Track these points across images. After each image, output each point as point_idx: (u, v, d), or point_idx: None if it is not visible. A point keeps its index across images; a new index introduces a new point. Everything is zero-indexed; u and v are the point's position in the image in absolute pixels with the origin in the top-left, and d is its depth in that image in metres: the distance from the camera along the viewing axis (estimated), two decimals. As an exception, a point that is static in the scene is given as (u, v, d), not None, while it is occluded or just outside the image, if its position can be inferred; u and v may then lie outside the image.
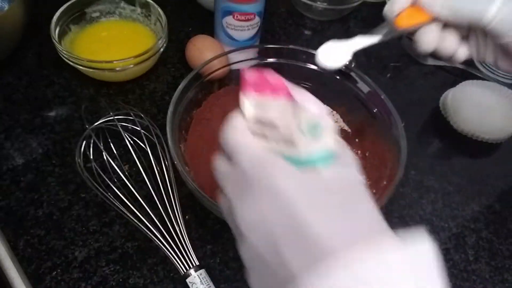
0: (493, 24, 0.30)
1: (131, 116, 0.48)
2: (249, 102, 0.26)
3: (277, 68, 0.53)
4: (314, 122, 0.24)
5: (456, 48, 0.35)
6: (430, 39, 0.35)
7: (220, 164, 0.27)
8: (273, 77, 0.26)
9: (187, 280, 0.39)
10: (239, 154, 0.24)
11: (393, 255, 0.19)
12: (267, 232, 0.22)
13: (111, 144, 0.46)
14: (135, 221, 0.41)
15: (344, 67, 0.51)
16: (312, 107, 0.25)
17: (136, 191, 0.42)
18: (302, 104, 0.24)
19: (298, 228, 0.21)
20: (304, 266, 0.20)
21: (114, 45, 0.57)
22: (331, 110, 0.54)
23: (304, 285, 0.19)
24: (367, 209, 0.22)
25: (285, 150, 0.24)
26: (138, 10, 0.58)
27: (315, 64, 0.51)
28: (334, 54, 0.39)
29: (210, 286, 0.39)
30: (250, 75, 0.27)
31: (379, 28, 0.37)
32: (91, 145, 0.46)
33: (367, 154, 0.49)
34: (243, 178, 0.24)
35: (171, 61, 0.59)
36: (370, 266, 0.18)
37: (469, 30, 0.35)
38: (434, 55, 0.37)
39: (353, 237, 0.20)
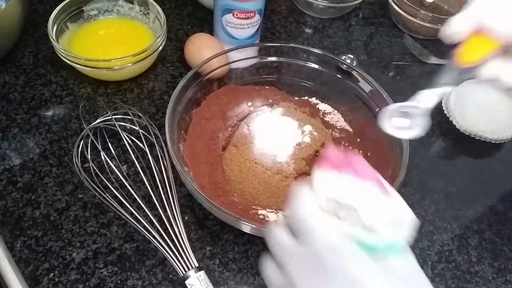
0: None
1: (129, 116, 0.47)
2: (325, 178, 0.26)
3: (278, 67, 0.52)
4: (401, 215, 0.24)
5: None
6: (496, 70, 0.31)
7: (281, 236, 0.25)
8: (360, 163, 0.26)
9: (186, 282, 0.38)
10: (313, 236, 0.24)
11: None
12: None
13: (109, 144, 0.46)
14: (134, 222, 0.40)
15: (345, 66, 0.50)
16: (399, 198, 0.25)
17: (134, 192, 0.42)
18: (391, 193, 0.25)
19: None
20: None
21: (112, 43, 0.56)
22: (332, 109, 0.53)
23: None
24: None
25: (360, 235, 0.23)
26: (137, 8, 0.58)
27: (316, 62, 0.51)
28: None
29: (209, 288, 0.38)
30: (334, 154, 0.26)
31: (443, 76, 0.32)
32: (89, 145, 0.46)
33: (368, 154, 0.49)
34: (315, 260, 0.23)
35: (170, 60, 0.59)
36: None
37: None
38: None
39: None
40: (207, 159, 0.47)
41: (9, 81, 0.54)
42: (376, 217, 0.24)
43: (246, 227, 0.39)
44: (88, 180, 0.42)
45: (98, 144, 0.45)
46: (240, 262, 0.43)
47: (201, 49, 0.53)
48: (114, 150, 0.45)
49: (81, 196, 0.45)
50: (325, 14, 0.68)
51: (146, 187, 0.42)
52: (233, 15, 0.52)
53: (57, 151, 0.48)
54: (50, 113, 0.52)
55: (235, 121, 0.51)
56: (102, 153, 0.44)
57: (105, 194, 0.42)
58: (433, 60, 0.63)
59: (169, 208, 0.41)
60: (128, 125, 0.48)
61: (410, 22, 0.64)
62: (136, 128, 0.46)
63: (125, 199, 0.41)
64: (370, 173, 0.26)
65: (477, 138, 0.54)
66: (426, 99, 0.33)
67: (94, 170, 0.43)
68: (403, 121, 0.34)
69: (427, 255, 0.45)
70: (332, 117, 0.53)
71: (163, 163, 0.44)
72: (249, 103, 0.53)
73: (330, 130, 0.51)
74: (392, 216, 0.24)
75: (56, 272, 0.40)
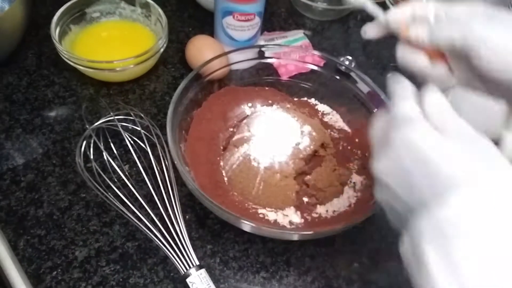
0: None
1: (131, 116, 0.48)
2: None
3: (278, 68, 0.53)
4: None
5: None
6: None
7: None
8: None
9: (187, 280, 0.39)
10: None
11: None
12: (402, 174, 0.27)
13: (112, 144, 0.46)
14: (135, 221, 0.41)
15: (344, 68, 0.51)
16: None
17: (136, 191, 0.42)
18: None
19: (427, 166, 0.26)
20: (430, 195, 0.25)
21: (114, 45, 0.57)
22: (331, 109, 0.54)
23: (431, 213, 0.23)
24: (486, 147, 0.27)
25: None
26: (138, 10, 0.58)
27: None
28: None
29: (210, 286, 0.39)
30: None
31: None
32: (91, 145, 0.46)
33: (367, 154, 0.49)
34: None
35: (171, 61, 0.59)
36: (488, 192, 0.23)
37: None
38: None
39: (473, 171, 0.24)
40: (208, 159, 0.48)
41: (12, 82, 0.54)
42: None
43: (246, 226, 0.39)
44: (91, 179, 0.43)
45: (100, 144, 0.45)
46: (241, 260, 0.43)
47: (202, 50, 0.54)
48: (116, 150, 0.46)
49: (84, 195, 0.46)
50: (324, 16, 0.68)
51: (148, 187, 0.42)
52: (233, 17, 0.53)
53: (60, 151, 0.49)
54: (53, 113, 0.52)
55: (235, 122, 0.52)
56: (104, 153, 0.44)
57: (107, 193, 0.42)
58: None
59: (170, 207, 0.42)
60: (130, 126, 0.49)
61: (408, 24, 0.65)
62: (138, 128, 0.46)
63: (127, 199, 0.42)
64: None
65: (474, 139, 0.55)
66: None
67: (96, 170, 0.43)
68: None
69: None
70: (331, 118, 0.53)
71: (165, 163, 0.45)
72: (249, 104, 0.53)
73: (329, 130, 0.52)
74: None
75: (59, 270, 0.41)
